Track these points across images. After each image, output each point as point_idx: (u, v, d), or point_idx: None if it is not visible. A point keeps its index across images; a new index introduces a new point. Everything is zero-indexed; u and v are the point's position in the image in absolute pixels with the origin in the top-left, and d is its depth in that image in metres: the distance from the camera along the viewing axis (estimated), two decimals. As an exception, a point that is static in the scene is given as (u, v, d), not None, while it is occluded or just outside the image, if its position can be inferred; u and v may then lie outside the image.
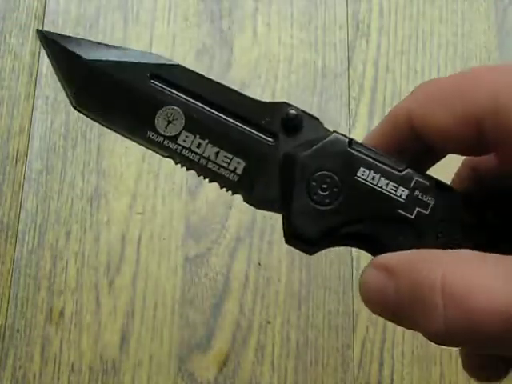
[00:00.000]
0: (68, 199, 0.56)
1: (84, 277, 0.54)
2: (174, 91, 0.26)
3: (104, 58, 0.25)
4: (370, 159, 0.23)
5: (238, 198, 0.25)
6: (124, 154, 0.57)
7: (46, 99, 0.59)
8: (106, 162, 0.57)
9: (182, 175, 0.56)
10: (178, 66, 0.27)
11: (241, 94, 0.26)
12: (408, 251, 0.21)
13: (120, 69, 0.25)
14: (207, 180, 0.25)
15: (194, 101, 0.26)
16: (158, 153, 0.25)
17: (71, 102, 0.25)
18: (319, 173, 0.23)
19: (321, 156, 0.24)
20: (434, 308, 0.18)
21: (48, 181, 0.56)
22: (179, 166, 0.25)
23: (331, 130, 0.25)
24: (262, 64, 0.61)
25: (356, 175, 0.23)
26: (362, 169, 0.23)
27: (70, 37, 0.26)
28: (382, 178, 0.23)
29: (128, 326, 0.53)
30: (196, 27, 0.62)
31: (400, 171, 0.23)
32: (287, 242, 0.24)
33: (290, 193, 0.23)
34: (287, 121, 0.25)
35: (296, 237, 0.24)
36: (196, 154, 0.25)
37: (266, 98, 0.60)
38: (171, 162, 0.25)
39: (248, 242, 0.55)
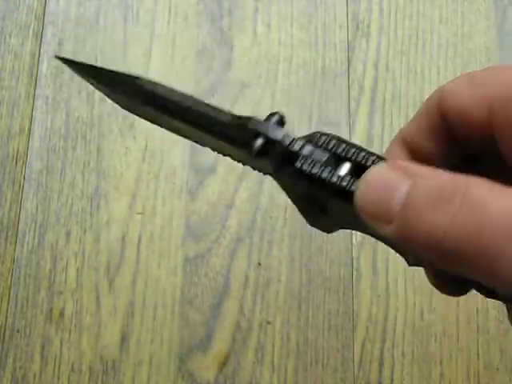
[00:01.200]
0: (68, 199, 0.56)
1: (84, 277, 0.54)
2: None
3: None
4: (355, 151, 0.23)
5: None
6: (124, 154, 0.57)
7: (46, 99, 0.59)
8: (106, 162, 0.57)
9: (183, 175, 0.56)
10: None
11: (213, 106, 0.26)
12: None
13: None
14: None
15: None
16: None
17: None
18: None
19: (307, 142, 0.23)
20: (448, 205, 0.18)
21: (48, 181, 0.56)
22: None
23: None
24: (262, 64, 0.61)
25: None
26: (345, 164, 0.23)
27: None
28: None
29: (128, 326, 0.53)
30: (196, 27, 0.62)
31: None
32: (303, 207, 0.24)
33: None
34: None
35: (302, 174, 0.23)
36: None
37: (266, 97, 0.60)
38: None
39: (248, 242, 0.55)
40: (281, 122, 0.24)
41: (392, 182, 0.19)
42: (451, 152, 0.24)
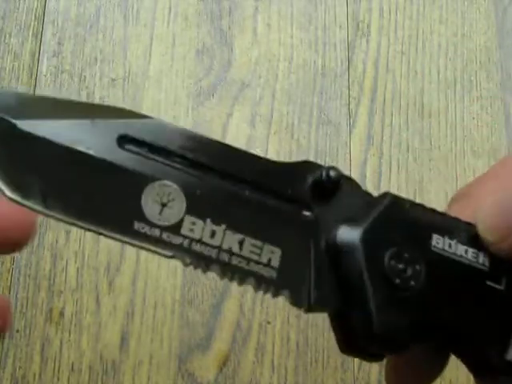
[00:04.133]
0: (68, 199, 0.56)
1: (84, 277, 0.54)
2: (161, 158, 0.18)
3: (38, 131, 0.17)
4: (440, 223, 0.19)
5: None
6: (124, 153, 0.57)
7: (46, 99, 0.59)
8: (106, 161, 0.57)
9: (182, 175, 0.56)
10: (153, 119, 0.18)
11: (251, 155, 0.19)
12: None
13: (62, 134, 0.17)
14: (236, 283, 0.18)
15: (192, 170, 0.18)
16: (156, 253, 0.18)
17: (3, 192, 0.17)
18: (392, 249, 0.18)
19: (382, 227, 0.18)
20: None
21: (48, 181, 0.56)
22: (192, 267, 0.18)
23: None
24: (261, 64, 0.61)
25: (431, 245, 0.18)
26: (435, 236, 0.18)
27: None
28: (459, 245, 0.18)
29: (128, 326, 0.53)
30: (196, 27, 0.62)
31: (469, 231, 0.19)
32: (352, 349, 0.18)
33: (358, 284, 0.17)
34: (323, 184, 0.19)
35: (382, 339, 0.17)
36: (212, 247, 0.18)
37: (266, 97, 0.60)
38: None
39: (248, 242, 0.55)
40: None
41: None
42: None
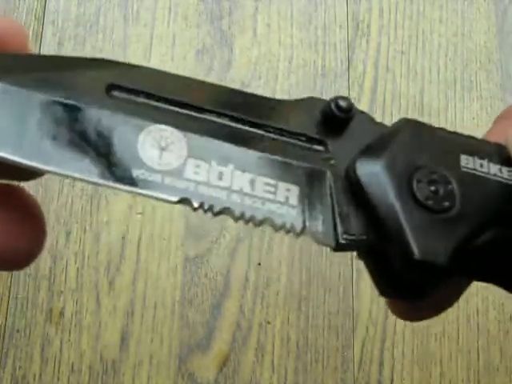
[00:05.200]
0: (68, 199, 0.56)
1: (84, 277, 0.54)
2: (154, 102, 0.18)
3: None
4: (466, 144, 0.18)
5: None
6: (124, 153, 0.57)
7: (46, 99, 0.59)
8: (106, 161, 0.57)
9: (182, 175, 0.56)
10: (141, 66, 0.19)
11: (251, 94, 0.19)
12: None
13: (47, 83, 0.16)
14: (251, 225, 0.17)
15: (190, 112, 0.18)
16: (161, 199, 0.17)
17: None
18: (419, 171, 0.17)
19: (406, 152, 0.17)
20: None
21: (48, 181, 0.56)
22: (201, 212, 0.17)
23: None
24: (261, 64, 0.61)
25: (461, 165, 0.17)
26: (463, 156, 0.18)
27: None
28: (492, 164, 0.18)
29: (128, 326, 0.53)
30: (196, 27, 0.62)
31: (501, 152, 0.17)
32: (392, 287, 0.17)
33: (388, 213, 0.16)
34: (333, 115, 0.18)
35: (422, 265, 0.16)
36: (221, 188, 0.17)
37: (266, 98, 0.60)
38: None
39: (248, 242, 0.55)
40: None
41: None
42: None
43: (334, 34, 0.62)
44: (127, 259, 0.54)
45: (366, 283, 0.54)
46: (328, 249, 0.19)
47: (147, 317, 0.53)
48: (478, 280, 0.18)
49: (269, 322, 0.53)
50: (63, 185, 0.56)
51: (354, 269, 0.55)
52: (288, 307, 0.54)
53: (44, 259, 0.54)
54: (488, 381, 0.53)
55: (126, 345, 0.52)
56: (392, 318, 0.54)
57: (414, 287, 0.17)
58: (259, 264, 0.55)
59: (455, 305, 0.57)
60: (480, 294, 0.55)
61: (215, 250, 0.55)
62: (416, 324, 0.54)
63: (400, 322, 0.54)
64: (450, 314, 0.54)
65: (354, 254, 0.18)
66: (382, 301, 0.57)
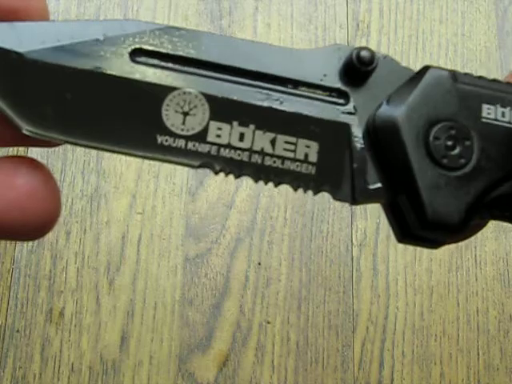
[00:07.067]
0: (68, 199, 0.56)
1: (84, 277, 0.54)
2: (177, 65, 0.17)
3: (42, 47, 0.16)
4: (490, 91, 0.17)
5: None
6: (124, 153, 0.57)
7: (46, 99, 0.59)
8: (106, 162, 0.57)
9: (183, 175, 0.56)
10: (166, 28, 0.18)
11: (270, 46, 0.18)
12: None
13: (72, 54, 0.17)
14: (272, 184, 0.17)
15: (212, 73, 0.17)
16: (183, 164, 0.17)
17: (21, 127, 0.17)
18: (437, 126, 0.17)
19: (426, 103, 0.17)
20: None
21: (48, 181, 0.56)
22: (223, 175, 0.17)
23: None
24: (262, 64, 0.61)
25: (482, 116, 0.17)
26: (485, 106, 0.17)
27: None
28: None
29: (128, 326, 0.53)
30: (196, 27, 0.62)
31: None
32: (409, 238, 0.17)
33: (403, 168, 0.16)
34: (354, 67, 0.17)
35: (435, 225, 0.16)
36: (242, 150, 0.17)
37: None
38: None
39: (248, 242, 0.55)
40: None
41: None
42: None
43: (334, 34, 0.62)
44: (127, 259, 0.54)
45: (366, 283, 0.54)
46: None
47: (147, 317, 0.53)
48: (496, 220, 0.18)
49: (269, 322, 0.53)
50: (63, 185, 0.56)
51: (354, 269, 0.55)
52: (288, 307, 0.54)
53: (44, 259, 0.54)
54: (488, 381, 0.53)
55: (125, 345, 0.52)
56: (392, 317, 0.54)
57: (430, 239, 0.17)
58: (259, 264, 0.55)
59: (455, 305, 0.57)
60: (480, 294, 0.55)
61: (215, 250, 0.55)
62: (416, 324, 0.54)
63: (400, 322, 0.54)
64: (450, 313, 0.54)
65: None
66: (382, 301, 0.57)
